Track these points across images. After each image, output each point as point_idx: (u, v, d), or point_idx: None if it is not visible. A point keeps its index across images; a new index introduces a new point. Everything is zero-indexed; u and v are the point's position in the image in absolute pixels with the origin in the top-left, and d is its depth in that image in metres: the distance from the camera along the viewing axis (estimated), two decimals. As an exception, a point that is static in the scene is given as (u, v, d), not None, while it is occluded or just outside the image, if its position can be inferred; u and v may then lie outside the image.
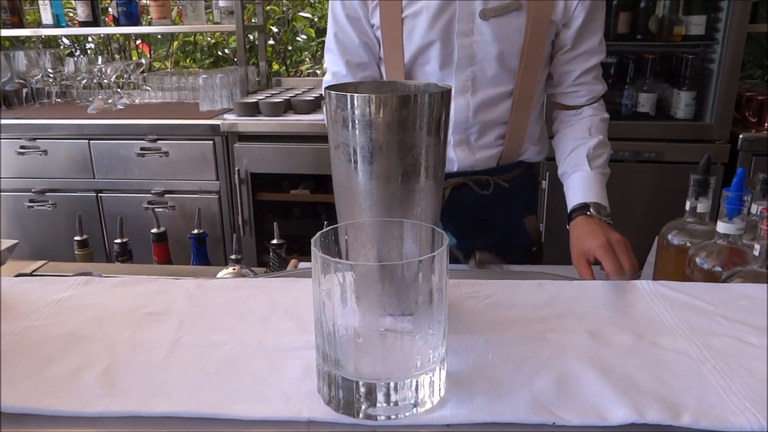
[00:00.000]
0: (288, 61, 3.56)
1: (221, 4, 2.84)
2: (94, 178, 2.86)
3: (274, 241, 1.48)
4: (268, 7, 3.29)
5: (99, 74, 2.93)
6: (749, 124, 2.42)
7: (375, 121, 0.58)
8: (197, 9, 2.89)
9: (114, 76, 2.97)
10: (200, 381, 0.56)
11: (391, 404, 0.50)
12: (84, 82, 3.09)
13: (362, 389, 0.50)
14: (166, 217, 2.75)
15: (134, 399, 0.53)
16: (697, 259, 0.96)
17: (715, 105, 2.35)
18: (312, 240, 0.51)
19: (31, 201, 2.91)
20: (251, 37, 3.20)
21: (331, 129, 0.61)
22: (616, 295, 0.72)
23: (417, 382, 0.51)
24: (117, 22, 2.97)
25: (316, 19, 3.50)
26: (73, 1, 3.09)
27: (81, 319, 0.67)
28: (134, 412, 0.51)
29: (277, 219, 2.87)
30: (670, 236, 1.05)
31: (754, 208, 1.01)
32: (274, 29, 3.46)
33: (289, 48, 3.53)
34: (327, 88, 0.61)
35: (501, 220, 1.28)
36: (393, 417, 0.50)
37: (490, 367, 0.57)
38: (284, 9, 3.43)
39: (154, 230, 1.50)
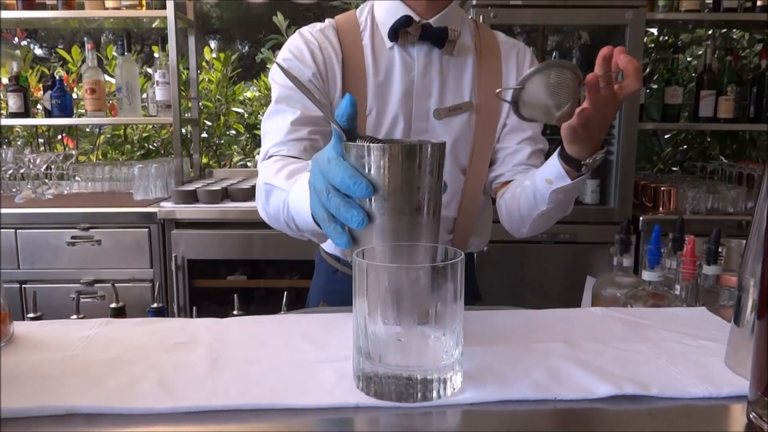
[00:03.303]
0: (218, 153, 3.67)
1: (158, 98, 2.95)
2: (19, 268, 2.79)
3: (235, 312, 1.54)
4: (201, 103, 3.43)
5: (29, 164, 2.92)
6: (647, 208, 2.74)
7: (390, 166, 0.70)
8: (133, 102, 2.98)
9: (44, 167, 2.97)
10: (249, 384, 0.63)
11: (424, 391, 0.60)
12: (10, 172, 3.06)
13: (400, 380, 0.60)
14: (96, 307, 2.71)
15: (195, 398, 0.60)
16: (628, 306, 1.12)
17: (616, 192, 2.66)
18: (353, 254, 0.62)
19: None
20: (183, 130, 3.30)
21: (351, 174, 0.73)
22: (579, 318, 0.86)
23: (443, 373, 0.61)
24: (50, 114, 3.01)
25: (246, 115, 3.67)
26: (1, 95, 3.11)
27: (117, 349, 0.73)
28: (201, 407, 0.59)
29: (213, 305, 2.87)
30: (602, 290, 1.23)
31: (668, 263, 1.21)
32: (208, 123, 3.59)
33: (220, 141, 3.66)
34: (346, 142, 0.74)
35: None
36: (427, 399, 0.60)
37: (492, 367, 0.68)
38: (216, 105, 3.59)
39: (112, 305, 1.53)
